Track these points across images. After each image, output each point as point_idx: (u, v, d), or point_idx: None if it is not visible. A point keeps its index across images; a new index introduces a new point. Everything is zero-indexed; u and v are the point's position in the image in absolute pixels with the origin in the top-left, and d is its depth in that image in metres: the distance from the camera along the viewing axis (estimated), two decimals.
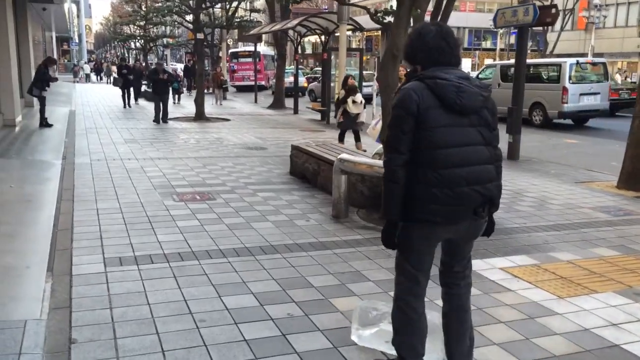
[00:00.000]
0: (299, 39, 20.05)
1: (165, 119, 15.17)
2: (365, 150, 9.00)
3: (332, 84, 16.80)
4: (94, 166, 8.37)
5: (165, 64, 16.33)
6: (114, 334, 3.23)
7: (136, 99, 21.78)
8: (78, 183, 7.16)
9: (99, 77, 42.71)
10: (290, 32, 19.50)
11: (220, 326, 3.38)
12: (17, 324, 3.25)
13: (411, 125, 2.54)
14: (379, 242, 5.27)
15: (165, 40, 37.37)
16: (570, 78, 16.00)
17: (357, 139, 10.54)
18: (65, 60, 53.55)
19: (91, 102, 21.92)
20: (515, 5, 10.12)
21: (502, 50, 50.42)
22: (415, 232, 2.70)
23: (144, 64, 28.66)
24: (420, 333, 2.81)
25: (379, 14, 6.27)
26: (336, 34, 18.49)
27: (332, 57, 17.36)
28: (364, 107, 10.48)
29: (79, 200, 6.26)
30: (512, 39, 51.03)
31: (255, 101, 24.31)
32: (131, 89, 20.25)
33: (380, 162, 5.74)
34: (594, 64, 17.65)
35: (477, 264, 4.53)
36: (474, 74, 20.09)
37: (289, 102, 21.63)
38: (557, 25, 37.58)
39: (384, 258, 4.59)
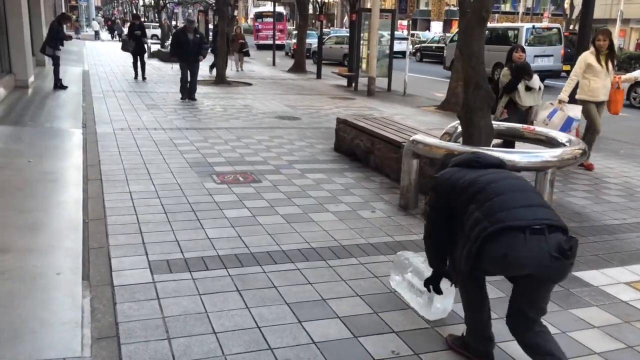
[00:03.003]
0: None
1: (192, 94, 11.86)
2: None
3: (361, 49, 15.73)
4: (119, 137, 7.57)
5: (195, 23, 13.39)
6: None
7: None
8: (104, 158, 6.37)
9: (113, 37, 41.42)
10: None
11: None
12: None
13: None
14: None
15: None
16: (526, 41, 17.73)
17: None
18: (75, 18, 52.07)
19: (104, 61, 20.98)
20: None
21: (525, 13, 48.62)
22: None
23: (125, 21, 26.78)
24: None
25: None
26: None
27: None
28: (542, 96, 6.87)
29: (108, 180, 5.49)
30: (532, 2, 49.38)
31: (274, 64, 23.29)
32: (145, 55, 15.62)
33: (459, 146, 4.92)
34: (549, 28, 19.44)
35: (595, 277, 3.78)
36: (449, 36, 22.37)
37: (309, 66, 20.65)
38: None
39: None
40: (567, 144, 4.83)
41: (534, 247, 2.26)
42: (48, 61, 13.29)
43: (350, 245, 4.16)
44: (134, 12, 57.38)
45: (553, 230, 2.30)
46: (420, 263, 3.25)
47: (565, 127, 6.37)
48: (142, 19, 32.01)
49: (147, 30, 17.33)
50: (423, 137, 5.05)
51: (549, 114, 6.53)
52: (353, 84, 15.54)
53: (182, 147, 7.11)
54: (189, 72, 11.72)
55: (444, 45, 25.12)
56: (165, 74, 17.10)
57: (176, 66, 18.75)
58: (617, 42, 38.85)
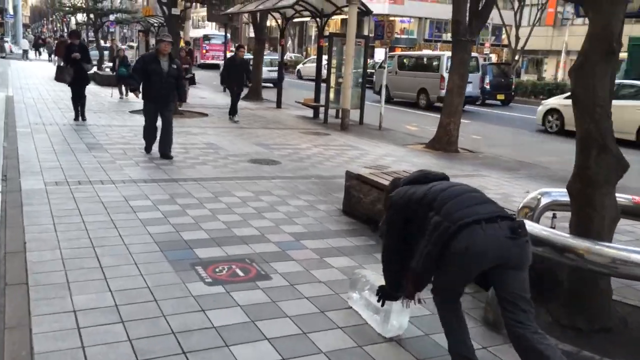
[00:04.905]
0: (284, 22, 17.30)
1: (167, 149, 8.08)
2: None
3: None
4: (52, 197, 5.57)
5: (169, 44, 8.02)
6: None
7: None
8: (32, 237, 4.40)
9: (37, 53, 38.48)
10: (276, 14, 16.75)
11: None
12: None
13: None
14: None
15: (118, 15, 33.28)
16: (447, 68, 17.71)
17: None
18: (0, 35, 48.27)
19: (31, 84, 18.52)
20: None
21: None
22: None
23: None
24: None
25: None
26: (332, 18, 15.96)
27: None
28: None
29: (37, 285, 3.55)
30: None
31: (224, 89, 21.43)
32: (86, 87, 11.21)
33: (574, 240, 3.35)
34: None
35: None
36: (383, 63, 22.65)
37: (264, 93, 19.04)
38: (525, 21, 36.27)
39: None
40: None
41: (491, 234, 2.57)
42: None
43: None
44: (64, 30, 53.63)
45: (503, 219, 2.64)
46: (377, 281, 3.31)
47: None
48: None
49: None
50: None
51: None
52: (322, 116, 13.97)
53: (143, 214, 5.20)
54: (160, 118, 8.10)
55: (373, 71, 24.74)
56: (104, 101, 15.00)
57: (116, 92, 16.69)
58: (560, 73, 39.56)
